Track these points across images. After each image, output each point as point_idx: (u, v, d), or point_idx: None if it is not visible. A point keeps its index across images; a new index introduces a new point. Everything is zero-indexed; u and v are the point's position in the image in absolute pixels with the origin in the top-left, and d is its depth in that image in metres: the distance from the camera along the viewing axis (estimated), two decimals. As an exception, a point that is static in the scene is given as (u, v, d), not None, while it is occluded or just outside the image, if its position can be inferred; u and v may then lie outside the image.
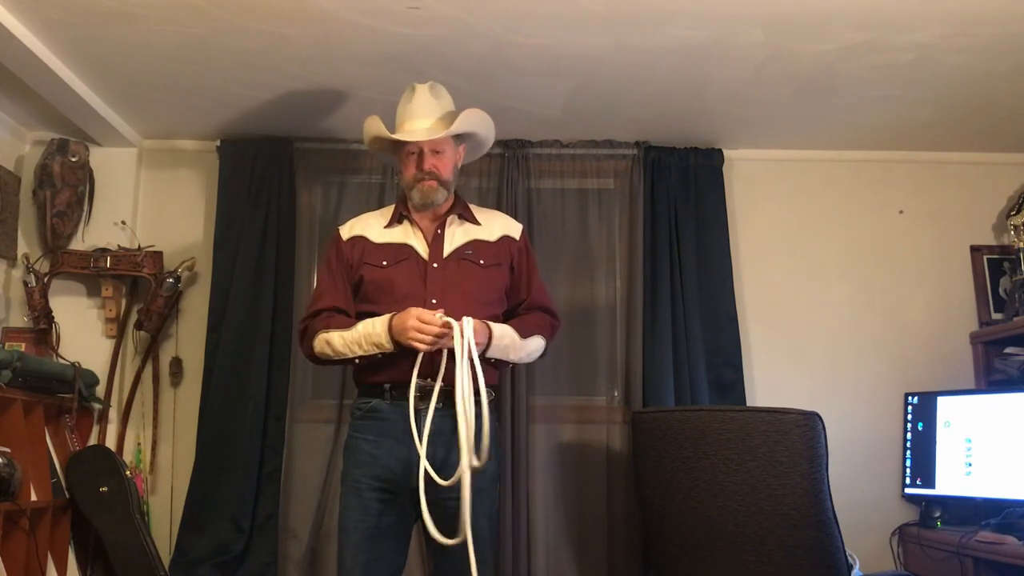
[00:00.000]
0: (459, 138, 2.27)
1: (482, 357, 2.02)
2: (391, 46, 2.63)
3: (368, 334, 2.06)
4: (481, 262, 2.20)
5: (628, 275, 3.26)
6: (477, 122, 2.26)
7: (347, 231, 2.28)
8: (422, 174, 2.17)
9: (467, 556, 1.93)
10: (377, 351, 2.06)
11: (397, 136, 2.21)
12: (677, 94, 2.98)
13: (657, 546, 2.66)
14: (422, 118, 2.21)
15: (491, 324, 2.10)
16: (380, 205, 3.02)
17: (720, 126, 3.27)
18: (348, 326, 2.12)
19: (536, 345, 2.23)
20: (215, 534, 2.98)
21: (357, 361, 2.11)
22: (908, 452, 3.21)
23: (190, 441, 3.10)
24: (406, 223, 2.24)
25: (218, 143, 3.32)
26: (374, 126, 2.27)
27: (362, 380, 2.17)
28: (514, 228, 2.32)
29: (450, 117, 2.23)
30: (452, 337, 1.97)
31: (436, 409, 2.03)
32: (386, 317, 2.06)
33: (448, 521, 2.00)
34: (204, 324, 3.17)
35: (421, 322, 1.98)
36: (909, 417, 3.24)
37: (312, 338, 2.16)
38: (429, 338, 1.97)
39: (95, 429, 3.15)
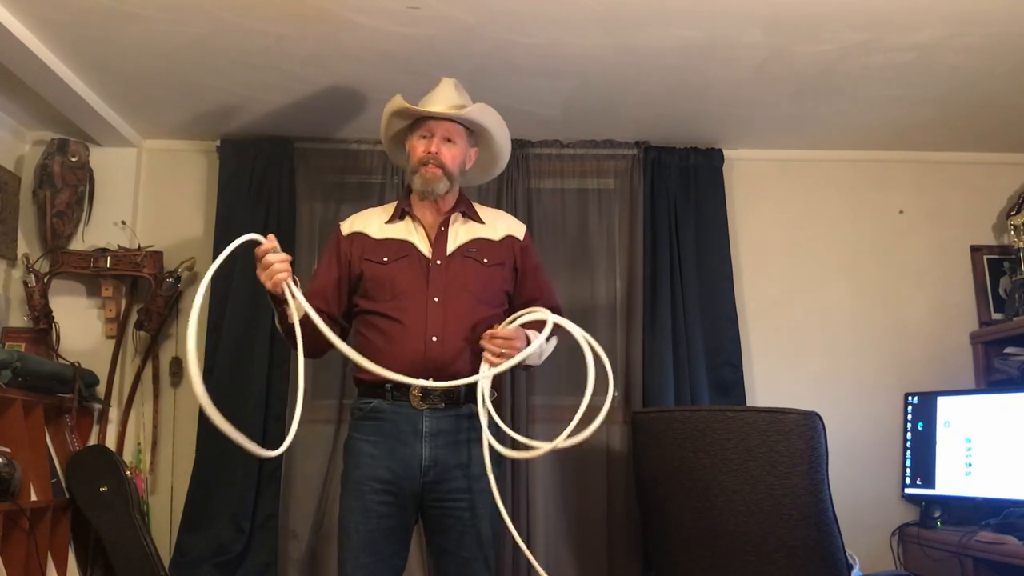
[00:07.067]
0: (472, 139, 2.24)
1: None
2: (391, 46, 2.63)
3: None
4: (484, 261, 2.17)
5: (628, 275, 3.27)
6: (494, 120, 2.23)
7: (347, 227, 2.25)
8: (428, 156, 2.13)
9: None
10: (277, 317, 2.06)
11: (410, 106, 2.16)
12: (677, 94, 2.98)
13: (657, 546, 2.66)
14: (442, 104, 2.17)
15: (528, 335, 2.09)
16: (380, 205, 3.02)
17: (720, 126, 3.27)
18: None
19: (551, 346, 2.19)
20: (215, 534, 2.98)
21: (297, 346, 2.06)
22: (908, 452, 3.21)
23: (190, 441, 3.10)
24: (408, 219, 2.21)
25: (218, 143, 3.32)
26: (396, 101, 2.21)
27: (362, 379, 2.16)
28: (518, 228, 2.29)
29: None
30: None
31: (436, 409, 2.04)
32: None
33: (453, 524, 2.02)
34: (204, 324, 3.17)
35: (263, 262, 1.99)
36: (909, 417, 3.24)
37: None
38: (271, 277, 1.98)
39: (95, 429, 3.15)
